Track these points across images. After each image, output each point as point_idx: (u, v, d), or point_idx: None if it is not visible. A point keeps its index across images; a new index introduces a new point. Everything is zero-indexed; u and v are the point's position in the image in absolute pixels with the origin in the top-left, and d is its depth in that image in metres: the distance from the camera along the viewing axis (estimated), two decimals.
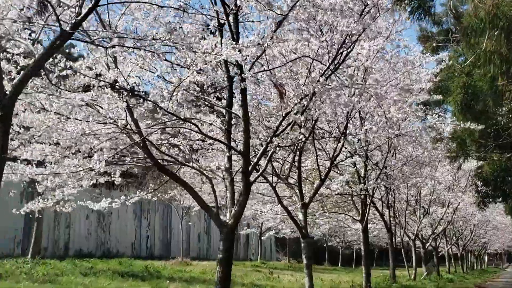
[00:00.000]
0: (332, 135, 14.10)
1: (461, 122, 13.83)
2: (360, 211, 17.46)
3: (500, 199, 21.69)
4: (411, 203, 27.09)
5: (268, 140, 9.18)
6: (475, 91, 12.77)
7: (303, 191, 15.58)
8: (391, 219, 21.85)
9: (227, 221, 9.18)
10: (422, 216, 25.94)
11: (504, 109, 17.26)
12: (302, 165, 17.18)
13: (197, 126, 8.67)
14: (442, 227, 31.00)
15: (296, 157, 13.18)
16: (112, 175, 13.33)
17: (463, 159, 19.70)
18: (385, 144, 16.65)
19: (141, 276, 17.62)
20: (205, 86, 9.56)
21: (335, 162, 13.92)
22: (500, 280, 39.98)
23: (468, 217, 36.50)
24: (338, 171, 16.95)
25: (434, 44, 14.92)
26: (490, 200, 21.82)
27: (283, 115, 8.97)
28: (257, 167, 9.96)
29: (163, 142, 11.07)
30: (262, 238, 43.60)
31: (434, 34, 15.29)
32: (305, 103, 8.02)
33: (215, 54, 6.53)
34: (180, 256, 27.00)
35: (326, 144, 14.57)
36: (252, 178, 9.30)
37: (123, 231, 29.98)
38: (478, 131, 17.86)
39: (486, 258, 79.91)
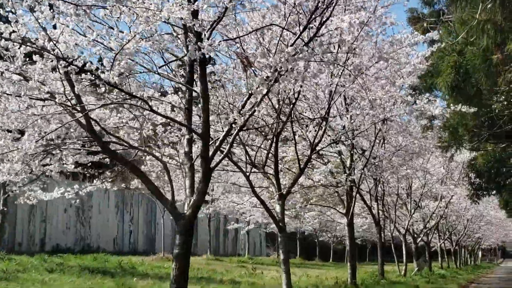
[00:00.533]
0: (313, 120, 13.04)
1: (452, 105, 12.73)
2: (346, 204, 16.41)
3: (494, 191, 20.69)
4: (402, 197, 26.09)
5: (231, 120, 8.09)
6: (467, 71, 11.72)
7: (283, 182, 14.52)
8: (380, 212, 20.80)
9: (185, 212, 8.10)
10: (413, 210, 24.92)
11: (499, 95, 16.27)
12: (284, 154, 16.15)
13: (146, 102, 7.56)
14: (434, 222, 30.04)
15: (274, 144, 12.10)
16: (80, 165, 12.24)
17: (456, 149, 18.72)
18: (372, 132, 15.59)
19: (112, 272, 16.57)
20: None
21: (316, 149, 12.85)
22: (493, 275, 39.09)
23: (461, 211, 35.57)
24: (323, 162, 15.90)
25: (425, 25, 13.89)
26: (484, 192, 20.82)
27: (249, 92, 7.90)
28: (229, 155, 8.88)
29: (122, 125, 9.98)
30: (250, 233, 42.67)
31: (425, 16, 14.25)
32: (269, 74, 6.93)
33: (154, 11, 5.42)
34: (162, 252, 25.87)
35: (307, 131, 13.49)
36: (213, 164, 8.21)
37: (104, 226, 28.87)
38: (472, 120, 16.98)
39: (480, 253, 79.19)
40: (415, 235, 28.39)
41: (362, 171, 15.79)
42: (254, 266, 21.66)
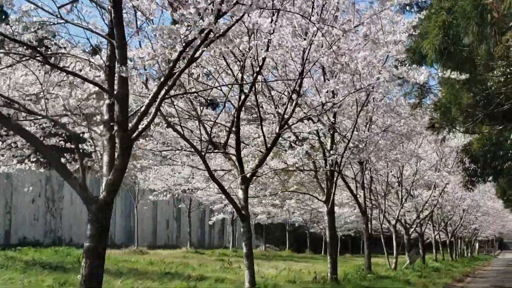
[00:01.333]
0: (282, 93, 11.38)
1: (440, 71, 11.04)
2: (325, 190, 14.75)
3: (491, 177, 19.06)
4: (393, 185, 24.46)
5: (162, 79, 6.42)
6: (457, 32, 10.05)
7: (253, 165, 12.86)
8: (367, 201, 19.16)
9: (99, 195, 6.43)
10: (404, 199, 23.29)
11: (495, 69, 14.60)
12: (256, 135, 14.48)
13: (41, 54, 5.86)
14: (428, 212, 28.44)
15: (235, 119, 10.42)
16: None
17: (448, 130, 17.10)
18: (356, 111, 13.92)
19: (66, 268, 14.91)
20: None
21: (286, 126, 11.17)
22: (490, 268, 37.56)
23: (456, 201, 33.96)
24: (300, 144, 14.22)
25: None
26: (479, 179, 19.19)
27: (183, 43, 6.20)
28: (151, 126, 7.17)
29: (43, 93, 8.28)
30: (237, 224, 41.08)
31: None
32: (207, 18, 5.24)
33: None
34: (136, 245, 24.24)
35: (276, 106, 11.81)
36: (134, 134, 6.53)
37: (77, 218, 27.18)
38: (466, 98, 15.42)
39: (477, 245, 77.75)
40: (407, 226, 26.79)
41: (344, 154, 14.13)
42: (231, 260, 20.01)
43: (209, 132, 10.67)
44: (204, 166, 10.08)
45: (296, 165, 13.40)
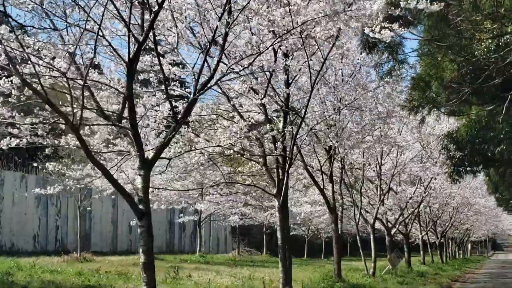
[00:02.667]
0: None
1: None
2: (276, 181, 11.91)
3: (480, 167, 16.29)
4: (372, 179, 21.69)
5: None
6: None
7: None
8: (336, 196, 16.35)
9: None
10: (384, 195, 20.49)
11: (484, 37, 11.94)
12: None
13: None
14: (412, 210, 25.67)
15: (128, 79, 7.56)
16: None
17: (428, 110, 14.36)
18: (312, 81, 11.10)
19: None
20: None
21: (208, 86, 8.30)
22: (483, 271, 34.81)
23: (445, 199, 31.24)
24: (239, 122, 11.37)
25: None
26: (467, 169, 16.43)
27: None
28: None
29: None
30: (212, 226, 38.13)
31: None
32: None
33: None
34: (78, 251, 21.30)
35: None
36: None
37: (20, 221, 24.21)
38: (450, 71, 13.03)
39: (469, 246, 75.20)
40: (389, 226, 24.00)
41: (297, 136, 11.33)
42: (177, 269, 17.09)
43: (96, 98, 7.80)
44: (79, 142, 7.19)
45: (235, 148, 10.53)
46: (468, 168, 16.03)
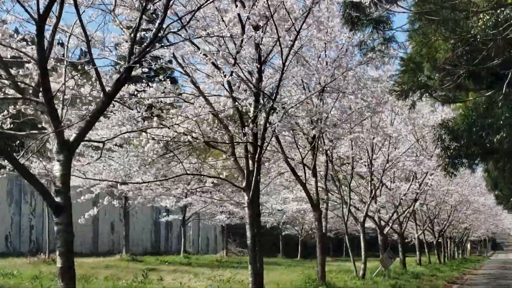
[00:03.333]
0: None
1: None
2: (245, 173, 10.48)
3: (478, 159, 14.81)
4: (363, 174, 20.27)
5: None
6: None
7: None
8: (324, 191, 14.92)
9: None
10: (375, 191, 19.06)
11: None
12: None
13: None
14: (406, 208, 24.23)
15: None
16: None
17: (420, 94, 13.00)
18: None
19: None
20: None
21: (146, 51, 6.89)
22: (482, 271, 33.36)
23: (442, 196, 29.83)
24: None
25: None
26: (463, 161, 14.94)
27: None
28: None
29: None
30: (201, 226, 36.73)
31: None
32: None
33: None
34: (46, 253, 19.88)
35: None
36: None
37: None
38: (444, 51, 11.74)
39: (468, 245, 73.79)
40: (382, 224, 22.57)
41: (270, 122, 9.91)
42: (146, 271, 15.64)
43: None
44: None
45: (193, 134, 9.08)
46: (465, 160, 14.54)
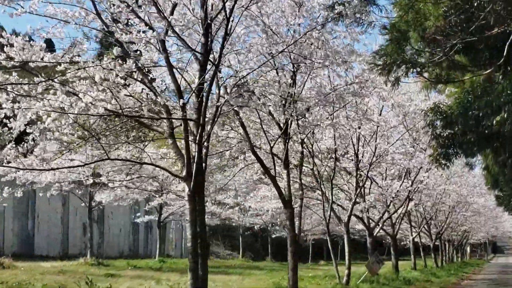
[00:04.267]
0: None
1: None
2: (185, 159, 8.49)
3: (475, 148, 12.79)
4: (349, 169, 18.29)
5: None
6: None
7: None
8: (290, 184, 12.90)
9: None
10: (360, 188, 17.07)
11: None
12: None
13: None
14: (399, 207, 22.22)
15: None
16: None
17: (405, 70, 11.06)
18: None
19: None
20: None
21: None
22: (482, 276, 31.31)
23: (439, 196, 27.81)
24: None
25: None
26: (457, 151, 12.94)
27: None
28: None
29: None
30: (179, 227, 34.64)
31: None
32: None
33: None
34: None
35: None
36: None
37: None
38: (434, 18, 9.77)
39: (468, 249, 71.68)
40: (371, 225, 20.58)
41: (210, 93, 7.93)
42: (90, 278, 13.65)
43: None
44: None
45: (108, 106, 7.07)
46: (459, 150, 12.56)
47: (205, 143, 8.51)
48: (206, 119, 8.44)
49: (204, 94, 8.33)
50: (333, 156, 16.45)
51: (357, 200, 20.74)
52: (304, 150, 14.00)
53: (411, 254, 28.50)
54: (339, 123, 14.30)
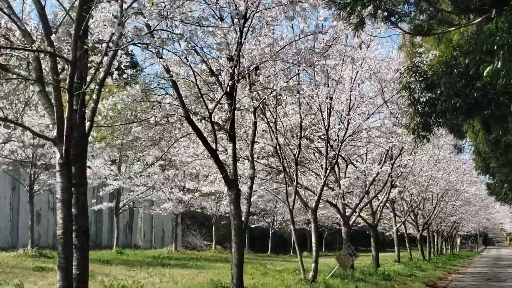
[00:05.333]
0: None
1: None
2: (55, 112, 6.07)
3: (462, 116, 10.42)
4: (321, 148, 15.99)
5: None
6: None
7: None
8: (236, 160, 10.54)
9: None
10: (328, 168, 14.73)
11: None
12: None
13: None
14: (377, 193, 19.96)
15: None
16: None
17: (373, 9, 8.84)
18: None
19: None
20: None
21: None
22: (471, 269, 29.19)
23: (425, 183, 25.57)
24: None
25: None
26: (439, 120, 10.62)
27: None
28: None
29: None
30: (155, 217, 32.26)
31: None
32: None
33: None
34: None
35: None
36: None
37: None
38: None
39: (458, 240, 69.75)
40: (347, 210, 18.29)
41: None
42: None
43: None
44: None
45: None
46: (442, 119, 10.25)
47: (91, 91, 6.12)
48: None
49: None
50: (299, 133, 14.14)
51: (331, 185, 18.53)
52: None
53: (395, 246, 26.23)
54: (301, 90, 11.97)
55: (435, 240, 43.23)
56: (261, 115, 13.59)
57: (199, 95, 9.89)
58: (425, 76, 10.12)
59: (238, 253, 10.29)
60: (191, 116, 10.05)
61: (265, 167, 17.66)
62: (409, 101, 10.34)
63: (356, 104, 14.56)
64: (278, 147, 13.91)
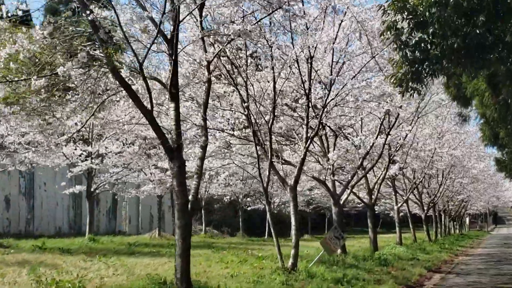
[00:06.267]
0: None
1: None
2: None
3: (462, 59, 8.20)
4: (300, 114, 13.88)
5: None
6: None
7: None
8: (180, 122, 8.43)
9: None
10: (311, 136, 12.59)
11: None
12: None
13: None
14: (372, 167, 17.84)
15: None
16: None
17: None
18: None
19: None
20: None
21: None
22: (480, 251, 27.08)
23: (428, 158, 23.39)
24: None
25: None
26: (433, 67, 8.43)
27: None
28: None
29: None
30: (141, 202, 30.31)
31: None
32: None
33: None
34: None
35: None
36: None
37: None
38: None
39: (467, 220, 67.53)
40: (337, 191, 16.19)
41: None
42: None
43: None
44: None
45: None
46: (436, 66, 8.07)
47: None
48: None
49: None
50: (274, 97, 12.00)
51: (319, 160, 16.46)
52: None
53: (396, 226, 24.11)
54: (268, 39, 9.83)
55: (442, 220, 41.09)
56: (229, 78, 11.54)
57: (124, 38, 7.75)
58: (414, 13, 7.96)
59: (182, 239, 8.25)
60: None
61: (242, 140, 15.57)
62: (395, 45, 8.21)
63: (341, 62, 12.37)
64: (248, 113, 11.80)
